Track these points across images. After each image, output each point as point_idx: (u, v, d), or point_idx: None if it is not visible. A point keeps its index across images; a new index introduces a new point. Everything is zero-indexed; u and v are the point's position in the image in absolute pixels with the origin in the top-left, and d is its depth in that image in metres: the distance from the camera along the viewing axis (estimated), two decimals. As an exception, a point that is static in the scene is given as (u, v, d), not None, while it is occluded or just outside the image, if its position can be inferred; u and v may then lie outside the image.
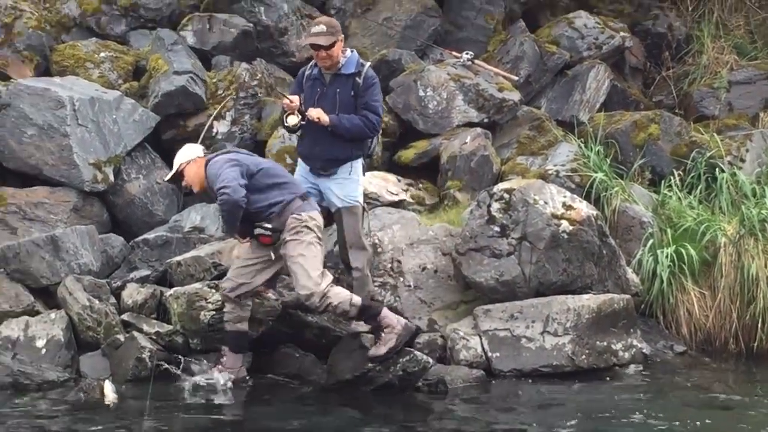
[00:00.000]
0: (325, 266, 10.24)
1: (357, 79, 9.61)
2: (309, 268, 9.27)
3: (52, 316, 10.02)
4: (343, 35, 9.75)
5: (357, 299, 9.33)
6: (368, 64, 9.78)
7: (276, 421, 8.74)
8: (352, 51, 9.82)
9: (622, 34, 13.64)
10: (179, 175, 9.69)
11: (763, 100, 13.49)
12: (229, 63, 12.36)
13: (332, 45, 9.53)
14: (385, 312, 9.44)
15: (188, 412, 8.91)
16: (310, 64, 9.88)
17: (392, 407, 9.21)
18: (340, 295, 9.27)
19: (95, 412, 8.93)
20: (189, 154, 9.72)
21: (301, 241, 9.31)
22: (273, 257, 9.47)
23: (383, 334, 9.37)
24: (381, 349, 9.36)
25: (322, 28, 9.58)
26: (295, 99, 9.67)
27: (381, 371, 9.42)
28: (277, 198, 9.36)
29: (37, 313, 10.17)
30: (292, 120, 9.69)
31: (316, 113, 9.54)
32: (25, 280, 10.37)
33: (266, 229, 9.35)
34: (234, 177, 9.14)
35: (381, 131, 10.04)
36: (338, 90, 9.66)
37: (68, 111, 11.10)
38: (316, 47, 9.60)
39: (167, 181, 10.10)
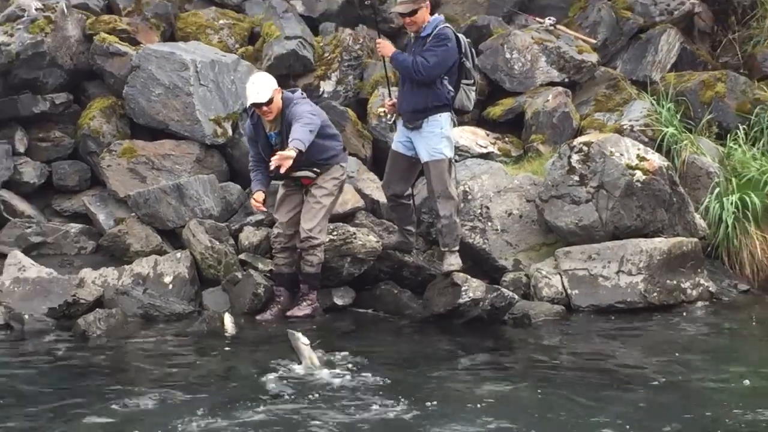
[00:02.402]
0: (420, 212, 10.34)
1: (428, 39, 9.55)
2: (323, 218, 9.62)
3: (178, 255, 10.13)
4: (428, 3, 9.63)
5: (319, 269, 9.66)
6: (443, 26, 9.57)
7: (377, 351, 8.78)
8: (438, 17, 9.76)
9: (691, 0, 13.44)
10: (269, 100, 9.49)
11: (822, 61, 13.24)
12: (335, 29, 12.36)
13: (413, 12, 9.52)
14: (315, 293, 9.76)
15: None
16: None
17: (482, 338, 9.21)
18: (320, 254, 9.61)
19: (216, 340, 9.06)
20: (274, 82, 9.62)
21: (332, 193, 9.70)
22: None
23: (305, 302, 9.68)
24: (301, 312, 9.64)
25: None
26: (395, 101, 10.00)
27: (471, 306, 9.42)
28: (335, 150, 9.76)
29: (165, 252, 10.31)
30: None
31: (379, 46, 9.89)
32: (153, 223, 10.53)
33: (313, 172, 9.62)
34: (318, 122, 9.43)
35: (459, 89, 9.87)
36: (414, 50, 9.64)
37: (191, 72, 11.16)
38: (399, 15, 9.81)
39: (254, 104, 9.52)
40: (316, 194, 9.62)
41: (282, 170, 9.13)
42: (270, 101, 9.47)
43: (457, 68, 9.59)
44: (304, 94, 9.86)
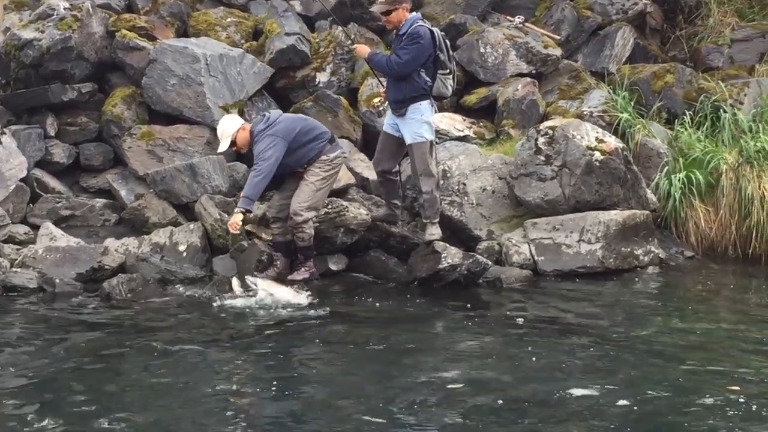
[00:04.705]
0: (404, 188, 10.32)
1: (403, 37, 9.53)
2: (311, 197, 9.51)
3: (191, 226, 10.11)
4: (405, 4, 9.55)
5: (311, 242, 9.54)
6: (417, 25, 9.45)
7: (367, 310, 8.81)
8: (415, 15, 9.66)
9: (644, 1, 13.38)
10: (232, 143, 9.63)
11: (759, 54, 13.17)
12: (329, 26, 12.30)
13: (388, 12, 9.52)
14: (311, 261, 9.69)
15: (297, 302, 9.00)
16: None
17: (459, 299, 9.21)
18: (309, 230, 9.49)
19: (225, 301, 9.03)
20: (235, 124, 9.66)
21: (321, 176, 9.58)
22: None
23: (304, 268, 9.62)
24: (302, 275, 9.59)
25: None
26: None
27: (450, 271, 9.41)
28: (315, 149, 9.58)
29: (180, 224, 10.28)
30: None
31: (357, 47, 10.09)
32: (169, 198, 10.50)
33: (303, 168, 9.56)
34: (272, 158, 9.27)
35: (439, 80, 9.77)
36: (393, 47, 9.69)
37: (202, 65, 11.11)
38: (378, 15, 9.89)
39: (222, 152, 9.97)
40: (305, 176, 9.59)
41: (234, 229, 9.27)
42: (233, 144, 9.63)
43: (432, 61, 9.55)
44: (271, 117, 9.65)
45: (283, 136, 9.41)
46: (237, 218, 9.20)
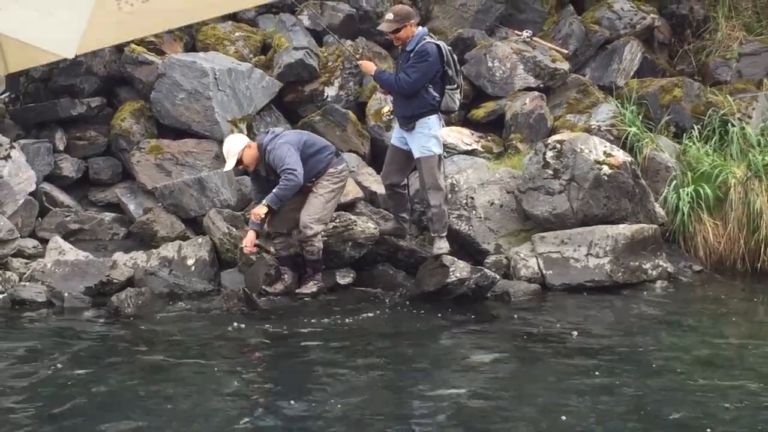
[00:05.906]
0: (412, 202, 10.33)
1: (411, 54, 9.54)
2: (320, 210, 9.54)
3: (200, 240, 10.13)
4: (412, 20, 9.60)
5: (320, 255, 9.57)
6: (424, 42, 9.48)
7: (375, 324, 8.79)
8: (422, 30, 9.68)
9: (651, 15, 13.42)
10: (239, 161, 9.60)
11: (767, 69, 13.21)
12: (337, 40, 12.32)
13: (396, 30, 9.51)
14: (320, 275, 9.69)
15: (305, 316, 8.99)
16: None
17: (467, 313, 9.20)
18: (318, 244, 9.53)
19: (232, 314, 9.06)
20: (240, 142, 9.62)
21: (330, 189, 9.62)
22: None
23: (312, 282, 9.64)
24: (311, 289, 9.62)
25: (390, 16, 9.63)
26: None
27: (458, 285, 9.40)
28: (323, 162, 9.62)
29: (188, 238, 10.30)
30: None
31: (362, 63, 10.07)
32: (177, 212, 10.51)
33: (311, 182, 9.56)
34: (298, 162, 9.31)
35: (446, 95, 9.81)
36: (400, 62, 9.68)
37: (210, 79, 11.14)
38: (385, 33, 9.90)
39: (228, 171, 9.95)
40: (313, 189, 9.61)
41: (256, 219, 9.28)
42: (240, 162, 9.59)
43: (440, 77, 9.55)
44: (275, 131, 9.74)
45: (294, 145, 9.47)
46: (261, 210, 9.25)
